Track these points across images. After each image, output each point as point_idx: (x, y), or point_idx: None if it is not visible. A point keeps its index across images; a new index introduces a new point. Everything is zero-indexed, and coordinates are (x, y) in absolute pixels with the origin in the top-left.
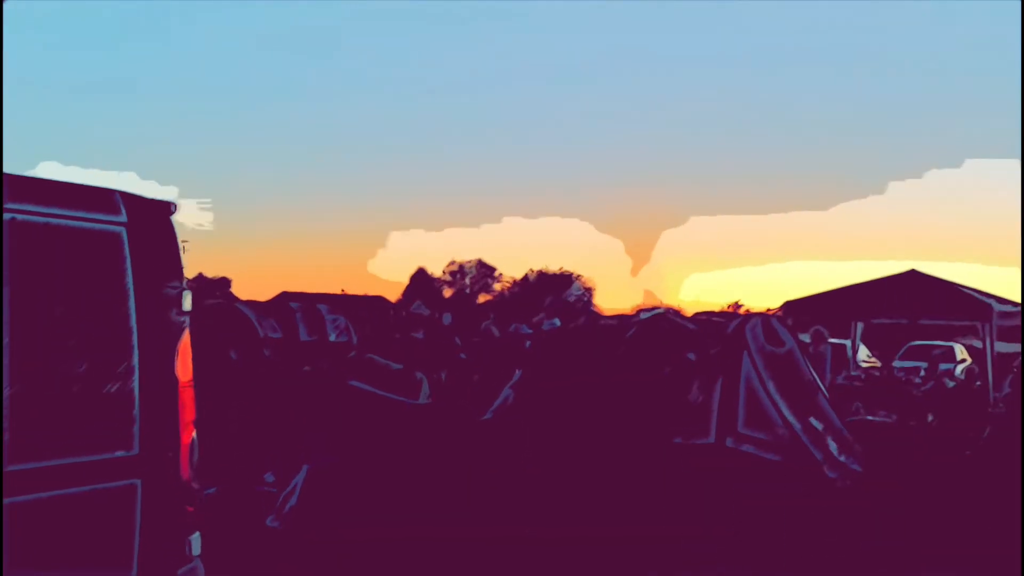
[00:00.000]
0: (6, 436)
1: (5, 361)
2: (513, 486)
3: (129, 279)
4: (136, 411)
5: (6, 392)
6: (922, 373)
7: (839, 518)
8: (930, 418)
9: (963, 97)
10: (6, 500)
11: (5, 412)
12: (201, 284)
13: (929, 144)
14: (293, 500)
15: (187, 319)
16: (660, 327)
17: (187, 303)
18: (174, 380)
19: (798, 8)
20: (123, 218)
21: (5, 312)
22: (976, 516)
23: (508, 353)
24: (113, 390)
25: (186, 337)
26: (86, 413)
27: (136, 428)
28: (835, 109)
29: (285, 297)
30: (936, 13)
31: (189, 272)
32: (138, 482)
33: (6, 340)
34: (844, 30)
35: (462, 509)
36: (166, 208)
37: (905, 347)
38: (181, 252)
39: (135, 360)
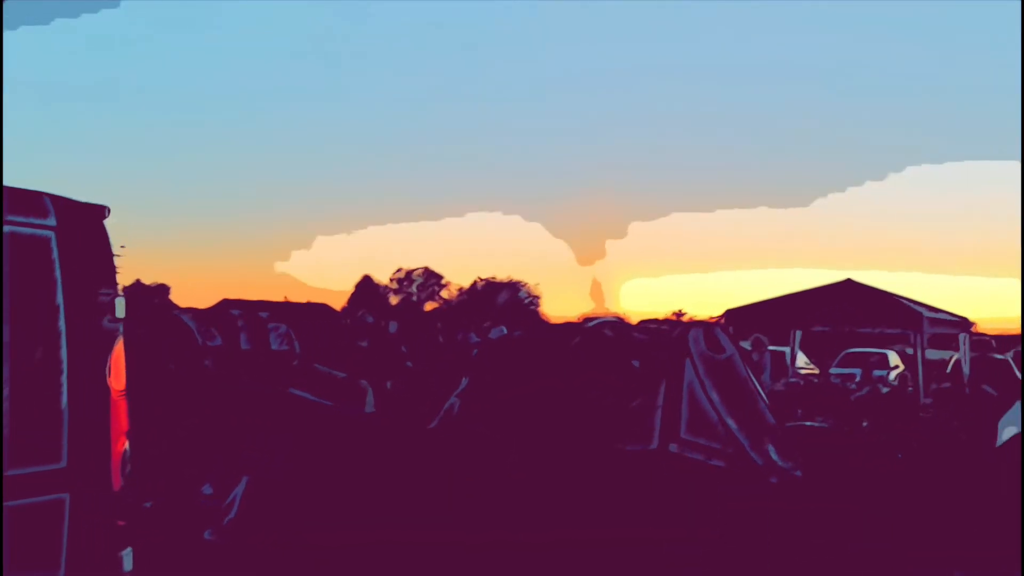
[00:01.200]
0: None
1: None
2: (476, 490)
3: (58, 285)
4: (64, 422)
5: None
6: (857, 379)
7: (826, 521)
8: (864, 423)
9: (910, 107)
10: None
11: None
12: (138, 291)
13: (878, 153)
14: (232, 512)
15: (120, 326)
16: (605, 335)
17: (120, 310)
18: (106, 389)
19: (746, 16)
20: (52, 222)
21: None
22: (966, 517)
23: (455, 361)
24: (39, 400)
25: (119, 345)
26: (10, 424)
27: (64, 440)
28: (781, 118)
29: (226, 305)
30: (908, 20)
31: (126, 278)
32: (66, 496)
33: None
34: (795, 37)
35: (416, 515)
36: (99, 212)
37: (841, 354)
38: (115, 257)
39: (63, 369)
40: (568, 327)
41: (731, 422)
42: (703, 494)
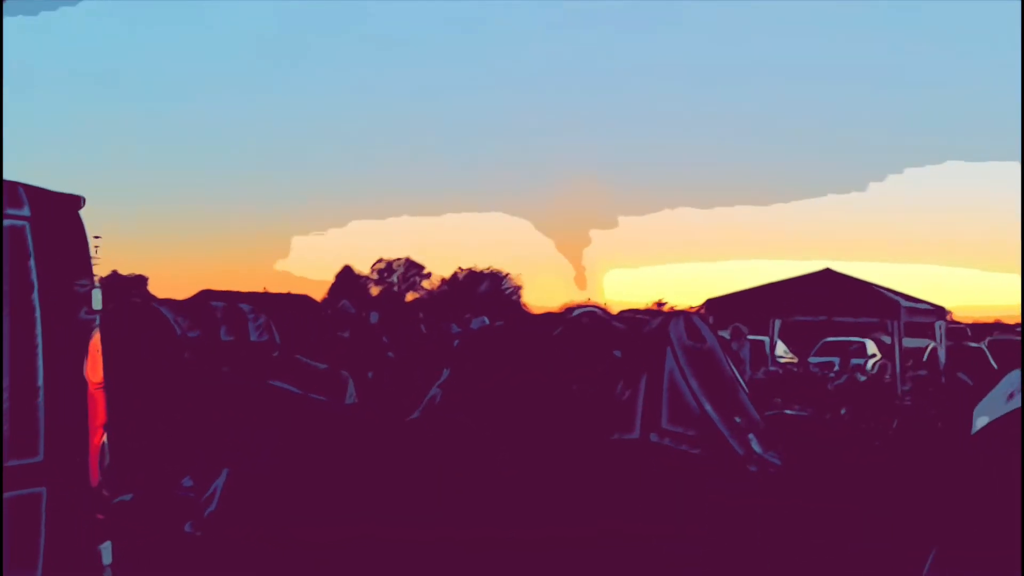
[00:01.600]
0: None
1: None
2: (461, 484)
3: (33, 276)
4: (41, 415)
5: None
6: (836, 368)
7: (816, 519)
8: (843, 411)
9: (904, 107)
10: None
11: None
12: (115, 282)
13: (866, 154)
14: (213, 505)
15: (97, 318)
16: (587, 325)
17: (97, 301)
18: (83, 382)
19: (744, 15)
20: (26, 212)
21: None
22: (952, 513)
23: (436, 352)
24: (15, 393)
25: (96, 337)
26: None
27: (41, 433)
28: (772, 118)
29: (205, 295)
30: (885, 19)
31: (103, 269)
32: (43, 490)
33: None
34: (791, 35)
35: (401, 510)
36: (74, 202)
37: (820, 343)
38: (91, 248)
39: (39, 361)
40: (550, 317)
41: (711, 411)
42: (690, 488)
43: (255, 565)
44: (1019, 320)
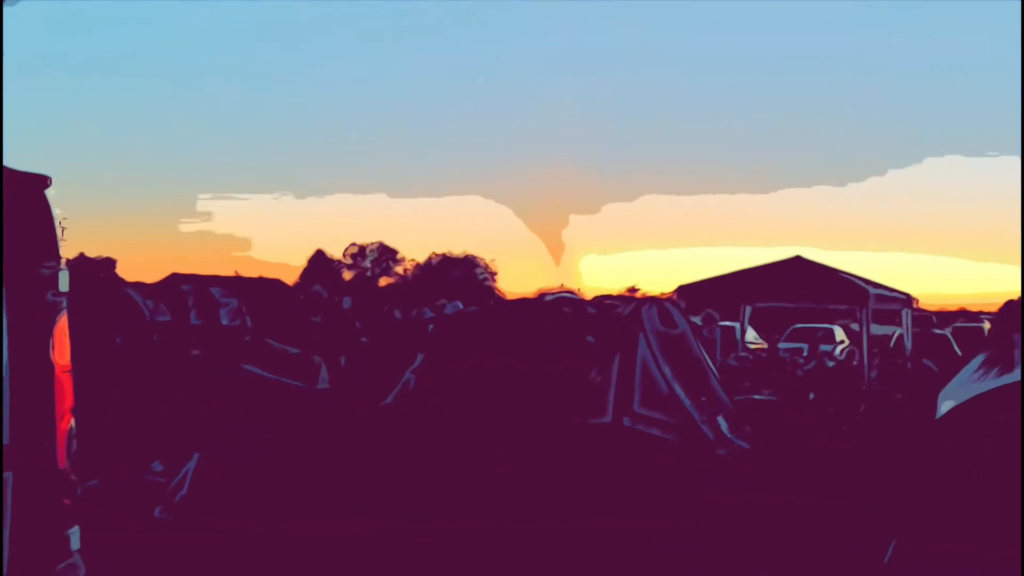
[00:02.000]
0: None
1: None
2: (432, 473)
3: None
4: (6, 399)
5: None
6: (804, 354)
7: (813, 516)
8: (811, 396)
9: (890, 104)
10: None
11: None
12: (83, 264)
13: (852, 154)
14: (183, 490)
15: (64, 300)
16: (560, 310)
17: (64, 283)
18: (49, 365)
19: (730, 6)
20: None
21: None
22: (965, 514)
23: (410, 337)
24: None
25: (63, 320)
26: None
27: (5, 417)
28: (756, 107)
29: (175, 279)
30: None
31: (70, 251)
32: (9, 475)
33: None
34: (777, 28)
35: (376, 502)
36: (40, 181)
37: (789, 329)
38: (58, 229)
39: (4, 345)
40: (524, 303)
41: (683, 396)
42: (684, 483)
43: (226, 550)
44: (982, 308)
